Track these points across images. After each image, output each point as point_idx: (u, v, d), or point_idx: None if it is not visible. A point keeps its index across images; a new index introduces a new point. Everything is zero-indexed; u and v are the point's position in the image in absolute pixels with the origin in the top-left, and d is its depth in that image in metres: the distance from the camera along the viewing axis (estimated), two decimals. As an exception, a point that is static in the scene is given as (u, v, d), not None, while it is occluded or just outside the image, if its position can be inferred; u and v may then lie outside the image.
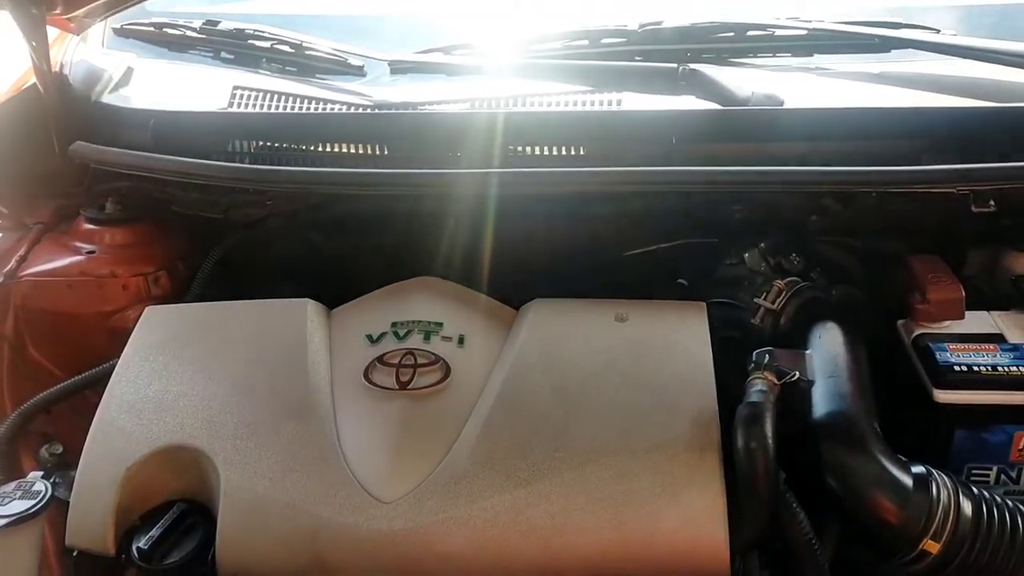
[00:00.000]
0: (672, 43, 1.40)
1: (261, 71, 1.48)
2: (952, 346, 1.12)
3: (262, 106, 1.40)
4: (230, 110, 1.40)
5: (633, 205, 1.29)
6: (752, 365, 1.00)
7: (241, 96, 1.41)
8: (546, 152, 1.28)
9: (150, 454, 0.99)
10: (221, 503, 0.95)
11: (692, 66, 1.29)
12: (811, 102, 1.29)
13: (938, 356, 1.10)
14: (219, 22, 1.51)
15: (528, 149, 1.28)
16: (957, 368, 1.08)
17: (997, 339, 1.13)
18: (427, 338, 1.08)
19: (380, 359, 1.05)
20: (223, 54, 1.51)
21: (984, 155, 1.16)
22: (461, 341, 1.08)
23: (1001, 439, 1.08)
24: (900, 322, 1.20)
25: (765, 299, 1.14)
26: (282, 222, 1.37)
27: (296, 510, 0.94)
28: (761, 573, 0.95)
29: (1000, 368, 1.08)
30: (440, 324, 1.09)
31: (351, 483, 0.95)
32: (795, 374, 0.98)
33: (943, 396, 1.07)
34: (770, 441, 0.92)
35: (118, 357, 1.11)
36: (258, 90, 1.41)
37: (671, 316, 1.10)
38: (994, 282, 1.28)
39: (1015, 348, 1.11)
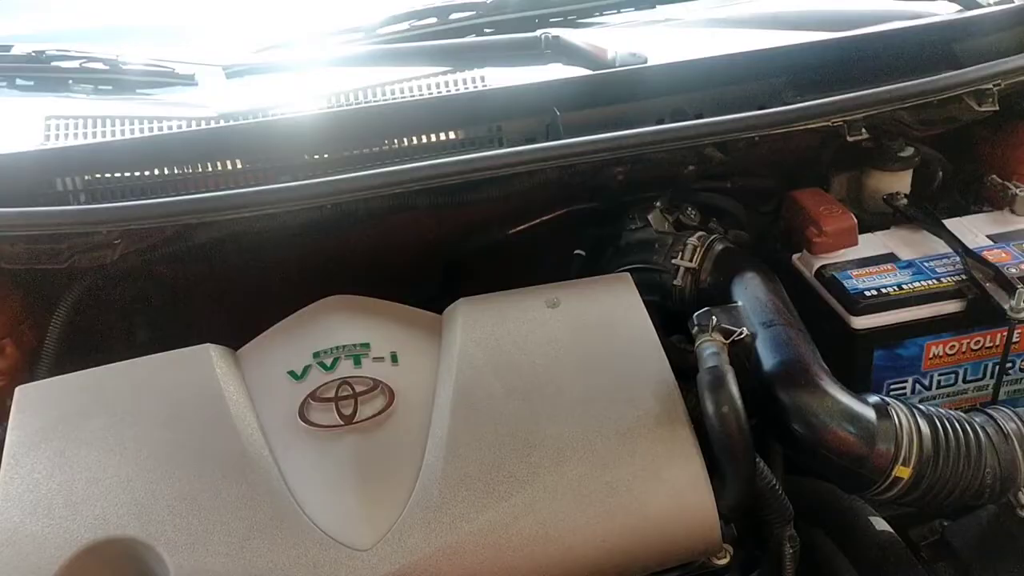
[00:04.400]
0: (520, 10, 1.36)
1: (73, 95, 1.30)
2: (855, 272, 1.16)
3: (86, 135, 1.23)
4: (48, 145, 1.22)
5: (516, 183, 1.24)
6: (696, 328, 0.99)
7: (58, 127, 1.23)
8: (415, 141, 1.22)
9: (75, 557, 0.85)
10: None
11: (554, 32, 1.26)
12: (672, 56, 1.29)
13: (846, 285, 1.14)
14: (12, 46, 1.31)
15: (397, 142, 1.21)
16: (868, 294, 1.13)
17: (891, 259, 1.19)
18: (358, 362, 0.99)
19: (313, 395, 0.95)
20: (19, 81, 1.32)
21: (840, 85, 1.21)
22: (395, 359, 1.00)
23: (914, 352, 1.14)
24: (796, 256, 1.23)
25: (682, 258, 1.14)
26: (132, 262, 1.22)
27: None
28: (727, 527, 0.96)
29: (905, 286, 1.13)
30: (367, 344, 1.01)
31: (320, 538, 0.86)
32: (742, 331, 0.98)
33: (861, 322, 1.12)
34: (739, 402, 0.91)
35: None
36: (77, 117, 1.24)
37: (601, 293, 1.07)
38: (861, 204, 1.35)
39: (910, 264, 1.17)
